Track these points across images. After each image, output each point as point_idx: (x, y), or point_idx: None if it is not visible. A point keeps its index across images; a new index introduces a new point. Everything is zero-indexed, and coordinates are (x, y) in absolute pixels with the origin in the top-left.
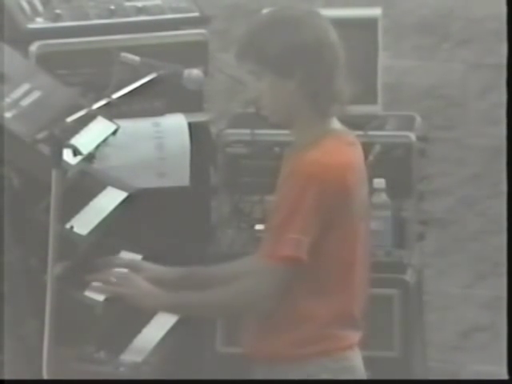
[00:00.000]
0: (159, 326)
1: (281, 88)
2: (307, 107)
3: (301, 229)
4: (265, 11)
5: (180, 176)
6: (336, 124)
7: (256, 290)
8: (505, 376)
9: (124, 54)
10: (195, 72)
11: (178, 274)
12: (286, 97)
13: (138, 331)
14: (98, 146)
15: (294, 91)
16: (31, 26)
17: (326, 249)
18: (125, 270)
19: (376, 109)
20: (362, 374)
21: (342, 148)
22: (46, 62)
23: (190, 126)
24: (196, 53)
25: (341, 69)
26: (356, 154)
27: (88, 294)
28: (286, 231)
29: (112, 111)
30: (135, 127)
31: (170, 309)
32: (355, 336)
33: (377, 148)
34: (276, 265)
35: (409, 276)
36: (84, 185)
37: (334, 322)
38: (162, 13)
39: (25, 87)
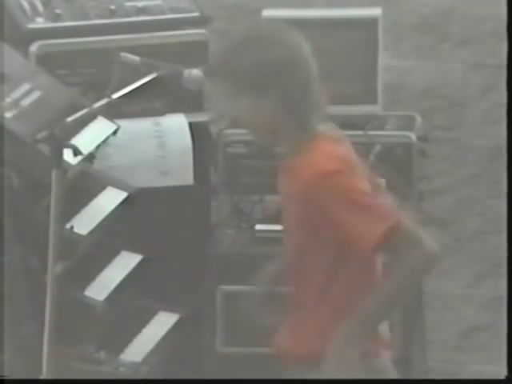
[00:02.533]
0: (159, 326)
1: (257, 106)
2: (286, 122)
3: (372, 206)
4: (235, 31)
5: (183, 174)
6: (322, 123)
7: (414, 259)
8: (504, 376)
9: (124, 54)
10: (195, 72)
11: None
12: (263, 114)
13: (138, 331)
14: (98, 146)
15: (270, 109)
16: (31, 25)
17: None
18: None
19: (376, 109)
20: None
21: (334, 145)
22: (46, 62)
23: (190, 125)
24: (196, 53)
25: (315, 81)
26: (348, 148)
27: (88, 293)
28: (367, 217)
29: (112, 111)
30: (135, 127)
31: (362, 334)
32: (386, 337)
33: (377, 148)
34: (395, 229)
35: None
36: (84, 185)
37: None
38: (163, 13)
39: (25, 87)
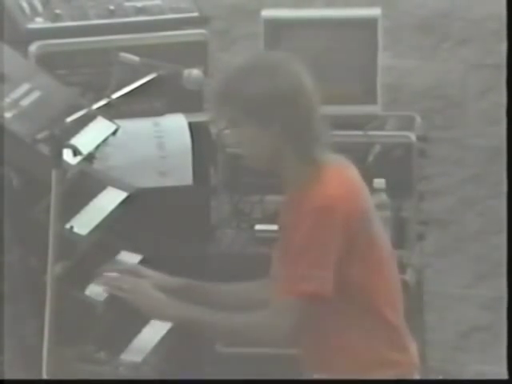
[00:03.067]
0: (159, 326)
1: (259, 136)
2: (290, 151)
3: (318, 264)
4: (239, 61)
5: (182, 175)
6: (325, 154)
7: (272, 326)
8: (505, 376)
9: (124, 54)
10: (195, 72)
11: (178, 284)
12: (265, 144)
13: (138, 331)
14: (98, 146)
15: (272, 138)
16: (31, 26)
17: (357, 275)
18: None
19: (376, 109)
20: None
21: (344, 175)
22: (46, 62)
23: (190, 126)
24: (196, 53)
25: (318, 112)
26: (356, 176)
27: (88, 293)
28: (301, 267)
29: (112, 111)
30: (135, 127)
31: (178, 320)
32: (415, 357)
33: (377, 148)
34: (295, 301)
35: (409, 276)
36: (84, 185)
37: (390, 346)
38: (162, 13)
39: (25, 87)
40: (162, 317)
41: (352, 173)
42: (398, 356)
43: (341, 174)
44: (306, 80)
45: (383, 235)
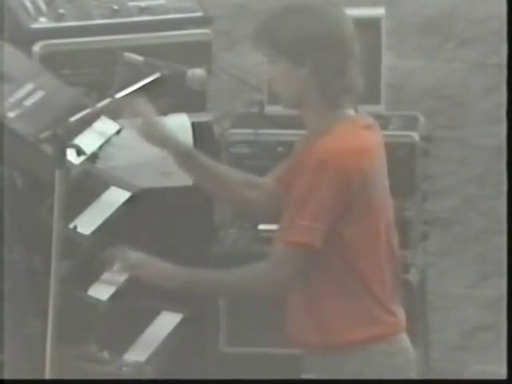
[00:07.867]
0: (162, 326)
1: (293, 74)
2: (318, 95)
3: (313, 216)
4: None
5: (183, 175)
6: (350, 111)
7: (269, 276)
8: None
9: (127, 54)
10: (198, 72)
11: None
12: (297, 83)
13: (142, 331)
14: (101, 146)
15: (305, 78)
16: (35, 25)
17: (352, 233)
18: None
19: (379, 109)
20: (413, 355)
21: (356, 133)
22: (50, 61)
23: (194, 125)
24: (199, 53)
25: (355, 62)
26: (372, 137)
27: (91, 293)
28: (297, 218)
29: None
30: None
31: (184, 285)
32: (402, 320)
33: None
34: (288, 251)
35: (412, 276)
36: (87, 184)
37: (376, 305)
38: (166, 13)
39: (28, 87)
40: (170, 282)
41: (369, 133)
42: (383, 315)
43: (353, 132)
44: (346, 27)
45: (385, 205)
